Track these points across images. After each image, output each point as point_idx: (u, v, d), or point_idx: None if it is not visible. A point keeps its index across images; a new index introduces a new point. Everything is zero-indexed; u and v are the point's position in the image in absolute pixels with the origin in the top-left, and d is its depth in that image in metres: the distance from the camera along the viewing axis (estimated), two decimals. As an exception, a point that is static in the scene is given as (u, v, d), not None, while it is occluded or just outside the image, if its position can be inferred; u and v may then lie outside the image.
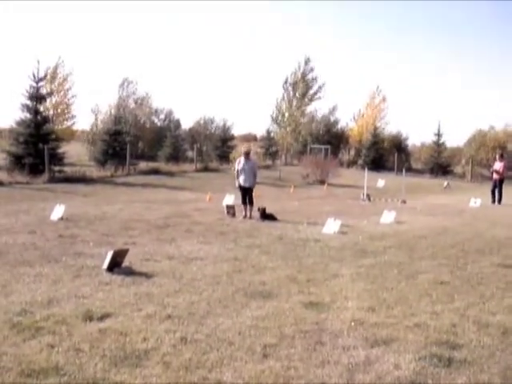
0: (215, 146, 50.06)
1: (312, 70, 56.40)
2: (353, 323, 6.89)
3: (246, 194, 17.26)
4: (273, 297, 7.99)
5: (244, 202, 17.26)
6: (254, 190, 17.54)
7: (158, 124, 55.96)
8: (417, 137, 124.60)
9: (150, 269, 9.47)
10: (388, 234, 14.24)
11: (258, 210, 16.77)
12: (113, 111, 48.76)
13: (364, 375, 5.39)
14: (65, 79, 45.32)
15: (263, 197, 23.51)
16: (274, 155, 53.79)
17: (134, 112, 52.14)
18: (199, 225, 14.71)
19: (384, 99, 60.54)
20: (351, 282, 9.03)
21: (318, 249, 11.84)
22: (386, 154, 53.67)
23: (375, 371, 5.48)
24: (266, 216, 16.53)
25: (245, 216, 16.88)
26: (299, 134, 57.15)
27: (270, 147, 55.52)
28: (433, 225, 16.52)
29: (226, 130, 52.22)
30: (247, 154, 17.68)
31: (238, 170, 17.43)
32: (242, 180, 17.31)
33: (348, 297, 8.13)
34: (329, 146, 51.17)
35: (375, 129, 56.30)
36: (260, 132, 68.01)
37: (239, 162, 17.51)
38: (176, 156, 44.82)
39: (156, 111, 55.85)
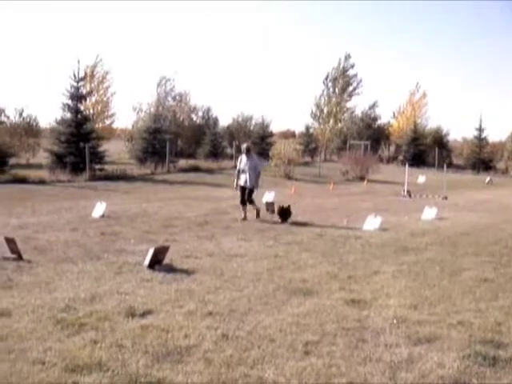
0: (254, 143, 50.05)
1: (352, 66, 56.14)
2: (395, 321, 6.83)
3: (245, 193, 15.77)
4: (314, 294, 7.96)
5: (243, 203, 15.83)
6: (254, 192, 16.00)
7: (197, 121, 56.16)
8: (458, 132, 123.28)
9: (191, 266, 9.52)
10: (429, 230, 14.08)
11: (277, 209, 15.45)
12: (152, 109, 49.12)
13: (407, 373, 5.33)
14: (103, 78, 45.79)
15: (303, 194, 23.49)
16: (313, 152, 53.66)
17: (173, 110, 52.43)
18: (238, 221, 14.73)
19: (424, 95, 60.13)
20: (393, 279, 8.96)
21: (358, 246, 11.76)
22: (426, 150, 53.11)
23: (418, 369, 5.42)
24: (285, 215, 15.24)
25: (244, 218, 15.47)
26: (338, 130, 56.89)
27: (309, 144, 55.40)
28: (475, 221, 16.30)
29: (264, 126, 52.20)
30: (248, 151, 16.06)
31: (239, 170, 16.06)
32: (242, 180, 15.88)
33: (390, 294, 8.06)
34: (368, 142, 50.84)
35: (415, 125, 55.77)
36: (299, 128, 68.00)
37: (240, 160, 16.11)
38: (215, 153, 44.97)
39: (194, 109, 56.06)
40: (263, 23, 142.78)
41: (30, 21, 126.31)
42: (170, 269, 9.22)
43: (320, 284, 8.51)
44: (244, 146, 16.34)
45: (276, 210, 15.42)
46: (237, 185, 16.00)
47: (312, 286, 8.34)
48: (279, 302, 7.50)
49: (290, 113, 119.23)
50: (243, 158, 15.93)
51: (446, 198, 23.44)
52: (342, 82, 55.40)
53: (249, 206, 15.71)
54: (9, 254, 9.86)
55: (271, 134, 52.90)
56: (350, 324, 6.67)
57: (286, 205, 15.49)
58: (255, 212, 15.62)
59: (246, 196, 15.61)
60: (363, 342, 6.09)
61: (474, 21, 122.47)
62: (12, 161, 31.47)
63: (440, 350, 5.92)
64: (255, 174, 15.82)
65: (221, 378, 5.15)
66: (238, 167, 16.14)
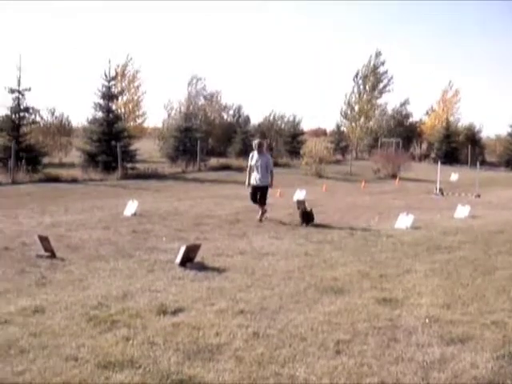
0: (285, 142, 50.10)
1: (383, 63, 55.92)
2: (427, 320, 6.77)
3: (258, 192, 14.98)
4: (345, 292, 7.93)
5: (255, 201, 15.08)
6: (268, 190, 15.20)
7: (228, 120, 56.29)
8: (491, 129, 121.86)
9: (222, 264, 9.55)
10: (462, 228, 13.93)
11: (301, 211, 14.31)
12: (183, 108, 49.36)
13: (439, 373, 5.28)
14: (134, 77, 46.08)
15: (334, 192, 23.41)
16: (344, 150, 53.49)
17: (204, 108, 52.61)
18: (270, 220, 14.72)
19: (457, 93, 59.63)
20: (425, 278, 8.88)
21: (390, 244, 11.68)
22: (459, 148, 52.56)
23: (451, 369, 5.37)
24: (308, 218, 14.21)
25: (261, 217, 14.72)
26: (369, 127, 56.62)
27: (340, 142, 55.25)
28: (509, 219, 16.08)
29: (295, 125, 52.17)
30: (260, 147, 15.13)
31: (250, 167, 15.11)
32: (254, 178, 14.97)
33: (422, 293, 7.99)
34: (400, 140, 50.48)
35: (448, 122, 55.26)
36: (330, 127, 67.87)
37: (252, 157, 15.15)
38: (246, 152, 44.98)
39: (225, 107, 56.22)
40: (295, 22, 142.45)
41: (62, 21, 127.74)
42: (202, 267, 9.26)
43: (351, 283, 8.47)
44: (256, 142, 15.47)
45: (299, 212, 14.40)
46: (249, 183, 15.20)
47: (343, 285, 8.31)
48: (310, 301, 7.49)
49: (321, 111, 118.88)
50: (255, 154, 15.08)
51: (479, 195, 23.18)
52: (373, 79, 55.19)
53: (259, 207, 14.95)
54: (42, 252, 9.99)
55: (302, 133, 52.85)
56: (381, 323, 6.64)
57: (308, 208, 14.61)
58: (260, 212, 14.78)
59: (259, 196, 14.89)
60: (395, 342, 6.05)
61: (506, 17, 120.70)
62: (45, 160, 31.77)
63: (473, 350, 5.86)
64: (268, 172, 14.96)
65: (251, 376, 5.16)
66: (249, 164, 15.20)
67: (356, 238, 12.39)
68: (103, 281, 8.39)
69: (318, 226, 13.96)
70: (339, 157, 49.86)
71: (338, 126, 58.65)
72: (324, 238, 12.29)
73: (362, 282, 8.50)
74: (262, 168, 14.83)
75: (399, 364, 5.47)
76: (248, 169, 15.23)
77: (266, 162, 14.96)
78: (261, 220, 14.52)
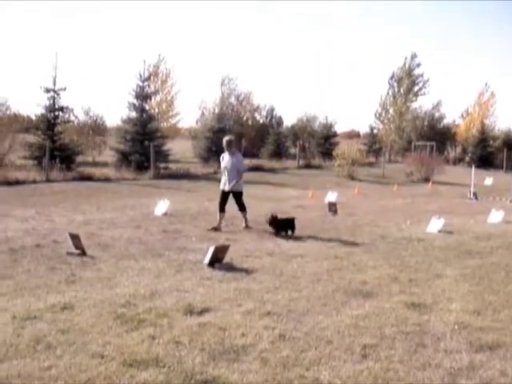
0: (318, 143, 49.96)
1: (418, 65, 55.48)
2: (456, 326, 6.68)
3: (227, 198, 13.53)
4: (373, 296, 7.86)
5: (222, 209, 13.42)
6: (242, 193, 13.69)
7: (261, 121, 56.33)
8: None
9: (251, 265, 9.54)
10: (496, 234, 13.74)
11: (269, 220, 12.80)
12: (216, 109, 49.50)
13: (467, 381, 5.21)
14: (167, 77, 46.27)
15: (366, 194, 23.27)
16: (377, 152, 53.18)
17: (237, 109, 52.71)
18: (300, 221, 14.64)
19: (493, 95, 58.86)
20: (455, 284, 8.77)
21: (421, 248, 11.56)
22: (494, 152, 51.88)
23: (479, 377, 5.29)
24: (278, 226, 12.74)
25: (215, 228, 13.02)
26: (403, 130, 56.21)
27: (374, 144, 54.94)
28: (544, 225, 15.81)
29: (328, 126, 51.99)
30: (229, 145, 13.44)
31: (223, 168, 13.60)
32: (224, 183, 13.50)
33: (452, 298, 7.89)
34: (434, 143, 50.03)
35: (483, 125, 54.59)
36: (363, 129, 67.59)
37: (223, 158, 13.60)
38: (279, 153, 45.02)
39: (258, 108, 56.25)
40: (329, 22, 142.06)
41: (95, 22, 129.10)
42: (230, 267, 9.28)
43: (380, 286, 8.40)
44: (224, 140, 13.62)
45: (266, 219, 12.89)
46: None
47: (372, 288, 8.24)
48: (338, 304, 7.44)
49: (354, 113, 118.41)
50: (225, 155, 13.51)
51: (513, 200, 22.84)
52: (408, 81, 54.84)
53: (223, 214, 13.53)
54: (73, 250, 10.10)
55: (335, 135, 52.64)
56: (409, 328, 6.57)
57: (290, 216, 13.35)
58: (244, 220, 13.59)
59: (237, 202, 13.56)
60: (423, 347, 5.98)
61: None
62: (79, 159, 32.17)
63: (503, 358, 5.76)
64: (237, 174, 13.33)
65: (276, 378, 5.14)
66: (222, 166, 13.65)
67: (387, 241, 12.29)
68: (132, 279, 8.46)
69: (348, 227, 13.85)
70: (372, 159, 49.54)
71: (372, 129, 58.35)
72: (354, 240, 12.22)
73: (391, 286, 8.42)
74: (233, 170, 13.28)
75: (426, 370, 5.41)
76: (222, 171, 13.74)
77: (236, 163, 13.35)
78: (247, 226, 13.41)
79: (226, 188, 13.33)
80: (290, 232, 12.75)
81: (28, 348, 5.66)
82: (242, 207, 13.57)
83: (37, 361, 5.35)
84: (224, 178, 13.47)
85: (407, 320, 6.85)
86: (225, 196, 13.47)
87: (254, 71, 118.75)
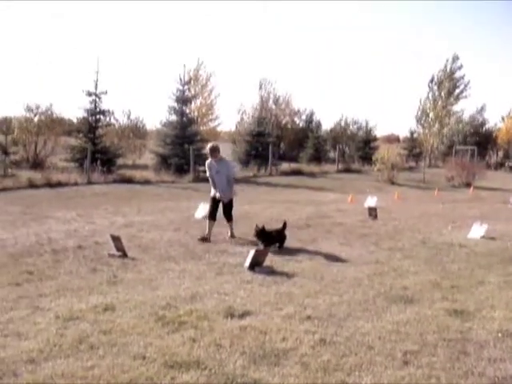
0: (357, 147, 49.74)
1: (460, 67, 54.76)
2: (500, 334, 6.56)
3: (218, 207, 12.59)
4: (415, 302, 7.78)
5: (212, 217, 12.47)
6: (233, 202, 12.80)
7: (300, 125, 56.29)
8: None
9: (291, 269, 9.53)
10: (539, 240, 13.47)
11: (256, 232, 11.51)
12: (256, 112, 49.61)
13: (511, 389, 5.12)
14: (207, 81, 46.47)
15: (406, 199, 23.06)
16: (417, 157, 52.72)
17: (276, 113, 52.75)
18: (340, 226, 14.60)
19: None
20: (498, 291, 8.62)
21: (463, 254, 11.40)
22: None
23: (524, 386, 5.20)
24: (266, 238, 11.43)
25: (205, 239, 12.03)
26: (444, 134, 55.56)
27: (414, 149, 54.47)
28: None
29: (368, 131, 51.72)
30: (214, 152, 12.48)
31: (212, 177, 12.62)
32: (212, 190, 12.68)
33: (495, 306, 7.75)
34: (475, 147, 49.35)
35: (525, 129, 53.73)
36: (403, 133, 67.07)
37: (210, 166, 12.65)
38: (318, 157, 44.93)
39: (297, 112, 56.22)
40: (368, 25, 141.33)
41: (137, 27, 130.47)
42: (270, 271, 9.28)
43: (422, 292, 8.30)
44: (208, 147, 12.71)
45: (254, 232, 11.58)
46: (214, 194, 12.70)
47: (413, 294, 8.15)
48: (379, 309, 7.38)
49: (394, 117, 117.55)
50: (212, 162, 12.61)
51: (557, 206, 22.41)
52: (449, 84, 54.08)
53: (227, 223, 12.72)
54: (114, 252, 10.22)
55: (375, 139, 52.32)
56: (451, 335, 6.47)
57: (278, 228, 11.82)
58: (230, 230, 12.66)
59: (224, 212, 12.57)
60: (465, 355, 5.89)
61: None
62: (119, 161, 32.59)
63: (549, 368, 5.65)
64: (228, 182, 12.49)
65: (317, 382, 5.13)
66: (208, 174, 12.78)
67: (428, 246, 12.15)
68: (172, 282, 8.52)
69: (389, 232, 13.73)
70: (412, 164, 49.14)
71: (412, 133, 57.84)
72: (395, 245, 12.11)
73: (432, 292, 8.32)
74: (222, 179, 12.44)
75: (469, 378, 5.33)
76: (211, 180, 12.69)
77: (226, 170, 12.49)
78: (232, 236, 12.52)
79: (218, 196, 12.47)
80: (277, 245, 11.41)
81: (71, 348, 5.74)
82: (229, 217, 12.60)
83: (80, 360, 5.42)
84: (214, 187, 12.56)
85: (449, 327, 6.76)
86: (215, 203, 12.56)
87: (294, 75, 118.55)
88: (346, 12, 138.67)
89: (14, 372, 5.17)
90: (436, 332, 6.55)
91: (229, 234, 12.57)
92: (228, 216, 12.58)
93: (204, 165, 30.07)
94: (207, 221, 12.48)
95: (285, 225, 11.72)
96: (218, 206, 12.55)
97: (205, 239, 12.00)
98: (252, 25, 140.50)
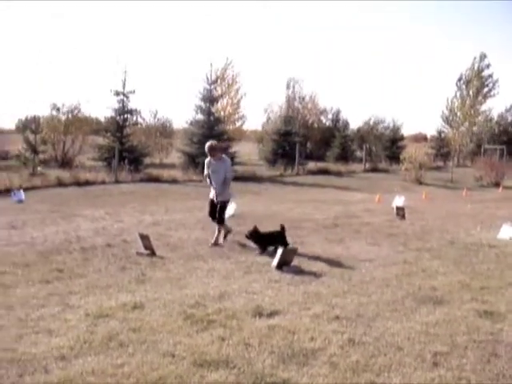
0: (384, 147, 49.42)
1: (488, 66, 54.20)
2: (531, 336, 6.49)
3: (216, 208, 11.86)
4: (444, 303, 7.71)
5: (213, 217, 11.97)
6: (227, 205, 12.14)
7: (327, 124, 56.15)
8: None
9: (319, 268, 9.51)
10: None
11: (249, 233, 11.13)
12: (282, 111, 49.60)
13: (543, 392, 5.06)
14: (234, 80, 46.51)
15: (434, 199, 22.90)
16: (445, 156, 52.28)
17: (303, 112, 52.67)
18: (368, 226, 14.53)
19: None
20: (529, 292, 8.52)
21: (492, 255, 11.27)
22: None
23: (556, 389, 5.13)
24: (261, 240, 11.04)
25: (215, 242, 11.60)
26: (472, 134, 55.01)
27: (441, 148, 54.02)
28: None
29: (395, 130, 51.39)
30: (212, 151, 11.80)
31: (208, 175, 11.95)
32: (212, 191, 11.99)
33: (526, 307, 7.67)
34: (504, 147, 48.80)
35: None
36: (430, 132, 66.59)
37: (208, 165, 11.95)
38: (345, 156, 44.77)
39: (324, 111, 56.10)
40: (395, 23, 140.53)
41: (163, 26, 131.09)
42: (298, 270, 9.27)
43: (451, 293, 8.23)
44: (207, 146, 11.91)
45: (247, 233, 11.19)
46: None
47: (442, 295, 8.09)
48: (408, 310, 7.33)
49: (421, 116, 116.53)
50: (211, 161, 11.93)
51: None
52: (477, 83, 53.55)
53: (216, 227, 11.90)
54: (142, 250, 10.28)
55: (402, 138, 51.96)
56: (481, 337, 6.41)
57: (276, 230, 11.39)
58: (222, 233, 11.86)
59: (217, 213, 11.82)
60: (496, 357, 5.82)
61: None
62: (146, 160, 32.78)
63: None
64: (224, 182, 11.82)
65: (346, 383, 5.11)
66: (205, 173, 12.09)
67: (456, 247, 12.04)
68: (201, 280, 8.55)
69: (416, 232, 13.63)
70: (440, 163, 48.75)
71: (439, 132, 57.38)
72: (423, 245, 12.01)
73: (461, 293, 8.24)
74: (219, 179, 11.79)
75: (500, 380, 5.28)
76: (208, 179, 12.04)
77: (223, 171, 11.80)
78: (216, 243, 11.61)
79: (215, 197, 11.84)
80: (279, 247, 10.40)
81: (101, 345, 5.79)
82: (220, 220, 11.81)
83: (110, 358, 5.47)
84: (212, 187, 11.96)
85: (479, 328, 6.69)
86: (213, 205, 11.95)
87: (321, 74, 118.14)
88: (375, 11, 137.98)
89: (45, 368, 5.23)
90: (466, 333, 6.50)
91: (213, 239, 11.63)
92: (219, 218, 11.78)
93: (232, 164, 30.28)
94: (211, 223, 12.01)
95: (283, 228, 11.21)
96: (215, 207, 11.86)
97: (215, 243, 11.54)
98: (279, 24, 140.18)
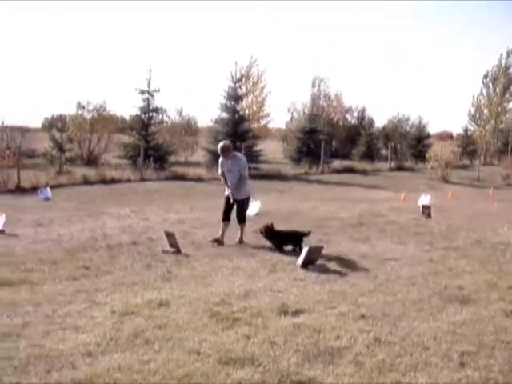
0: (410, 145, 49.05)
1: (516, 62, 53.43)
2: (560, 336, 6.41)
3: (231, 207, 11.82)
4: (471, 302, 7.65)
5: (226, 218, 11.83)
6: (247, 202, 12.18)
7: (352, 122, 55.94)
8: None
9: (344, 267, 9.49)
10: None
11: (261, 230, 11.27)
12: (306, 110, 49.49)
13: None
14: (259, 78, 46.46)
15: (460, 198, 22.71)
16: (471, 154, 51.76)
17: (328, 110, 52.52)
18: (393, 224, 14.45)
19: None
20: (558, 292, 8.41)
21: (520, 254, 11.15)
22: None
23: None
24: (273, 236, 11.11)
25: (217, 240, 11.46)
26: (499, 131, 54.38)
27: (468, 146, 53.48)
28: None
29: (421, 128, 51.00)
30: (225, 152, 11.64)
31: (223, 174, 12.02)
32: (227, 188, 11.91)
33: (555, 308, 7.57)
34: (533, 144, 48.16)
35: None
36: (456, 130, 66.00)
37: (222, 164, 11.91)
38: (370, 154, 44.53)
39: (349, 109, 55.88)
40: (417, 22, 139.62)
41: (188, 24, 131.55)
42: (324, 269, 9.25)
43: (477, 293, 8.15)
44: (221, 146, 11.75)
45: (261, 229, 11.32)
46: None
47: (469, 295, 8.02)
48: (434, 309, 7.29)
49: (446, 114, 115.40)
50: (224, 161, 11.85)
51: None
52: (504, 80, 52.84)
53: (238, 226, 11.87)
54: (168, 248, 10.34)
55: (428, 136, 51.53)
56: (509, 337, 6.34)
57: (296, 230, 11.51)
58: (240, 233, 11.76)
59: (237, 212, 11.79)
60: (524, 358, 5.77)
61: None
62: (171, 158, 32.90)
63: None
64: (240, 181, 11.72)
65: (371, 382, 5.10)
66: (220, 172, 12.16)
67: (483, 246, 11.92)
68: (226, 278, 8.58)
69: (443, 231, 13.52)
70: (466, 162, 48.25)
71: (466, 130, 56.82)
72: (449, 244, 11.92)
73: (489, 293, 8.16)
74: (234, 178, 11.70)
75: (528, 381, 5.22)
76: (223, 179, 12.14)
77: (237, 169, 11.67)
78: (241, 241, 11.64)
79: (234, 197, 11.75)
80: (297, 248, 10.77)
81: (127, 342, 5.84)
82: (241, 219, 11.79)
83: (136, 354, 5.51)
84: (226, 185, 11.93)
85: (507, 328, 6.63)
86: (229, 203, 11.84)
87: (346, 72, 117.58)
88: (397, 11, 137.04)
89: (72, 364, 5.28)
90: (493, 333, 6.44)
91: (237, 238, 11.67)
92: (240, 217, 11.78)
93: (254, 162, 30.32)
94: (221, 222, 11.85)
95: (308, 232, 11.18)
96: (231, 206, 11.82)
97: (217, 241, 11.43)
98: (303, 23, 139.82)
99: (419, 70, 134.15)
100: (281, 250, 10.79)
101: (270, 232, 11.08)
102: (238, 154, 12.17)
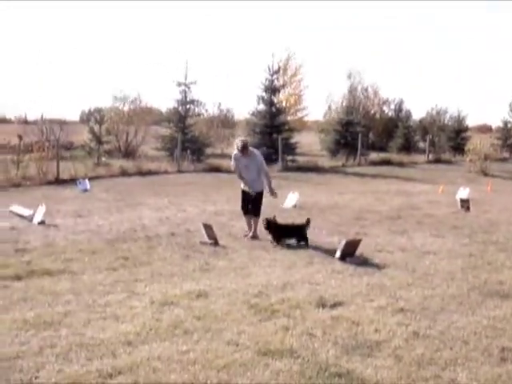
0: (448, 138, 48.46)
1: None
2: None
3: (249, 200, 11.77)
4: (511, 297, 7.55)
5: (247, 212, 11.85)
6: (262, 196, 11.92)
7: (389, 114, 55.49)
8: None
9: (382, 260, 9.44)
10: None
11: (265, 224, 10.95)
12: (344, 102, 49.20)
13: None
14: (296, 71, 46.33)
15: (500, 191, 22.38)
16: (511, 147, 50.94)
17: (365, 103, 52.17)
18: (431, 217, 14.31)
19: None
20: None
21: (561, 249, 10.95)
22: None
23: None
24: (278, 232, 10.82)
25: (247, 235, 11.52)
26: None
27: (508, 139, 52.65)
28: None
29: (459, 120, 50.36)
30: (244, 149, 11.56)
31: (237, 168, 11.89)
32: (244, 184, 11.84)
33: None
34: None
35: None
36: (496, 122, 65.02)
37: (237, 158, 11.77)
38: (407, 147, 44.13)
39: (386, 101, 55.42)
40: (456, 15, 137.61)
41: (225, 18, 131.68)
42: (361, 262, 9.23)
43: (518, 287, 8.05)
44: (239, 144, 11.67)
45: (264, 224, 11.01)
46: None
47: (509, 289, 7.91)
48: (474, 304, 7.22)
49: (486, 106, 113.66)
50: (239, 155, 11.71)
51: None
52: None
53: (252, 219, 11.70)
54: (206, 239, 10.40)
55: (467, 129, 50.86)
56: (551, 332, 6.26)
57: (298, 223, 11.39)
58: (253, 227, 11.55)
59: (253, 205, 11.68)
60: None
61: None
62: (208, 151, 33.03)
63: None
64: (260, 176, 11.75)
65: (410, 376, 5.07)
66: (233, 166, 12.10)
67: (524, 240, 11.74)
68: (264, 270, 8.60)
69: (482, 225, 13.35)
70: (506, 154, 47.50)
71: (505, 123, 55.93)
72: (489, 238, 11.75)
73: (530, 288, 8.06)
74: (252, 174, 11.70)
75: None
76: (237, 173, 11.97)
77: (254, 165, 11.68)
78: (254, 236, 11.39)
79: (250, 190, 11.71)
80: (302, 242, 10.68)
81: (167, 332, 5.91)
82: (256, 212, 11.65)
83: (175, 344, 5.58)
84: (241, 179, 11.88)
85: (549, 324, 6.54)
86: (246, 197, 11.86)
87: (383, 64, 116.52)
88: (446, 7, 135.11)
89: (113, 353, 5.36)
90: (534, 329, 6.35)
91: (250, 233, 11.51)
92: (255, 210, 11.65)
93: (293, 154, 30.24)
94: (244, 217, 11.93)
95: (308, 222, 10.96)
96: (247, 200, 11.80)
97: (246, 236, 11.46)
98: (341, 16, 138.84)
99: (458, 62, 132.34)
100: (278, 243, 10.61)
101: (271, 225, 10.87)
102: (254, 150, 12.11)
